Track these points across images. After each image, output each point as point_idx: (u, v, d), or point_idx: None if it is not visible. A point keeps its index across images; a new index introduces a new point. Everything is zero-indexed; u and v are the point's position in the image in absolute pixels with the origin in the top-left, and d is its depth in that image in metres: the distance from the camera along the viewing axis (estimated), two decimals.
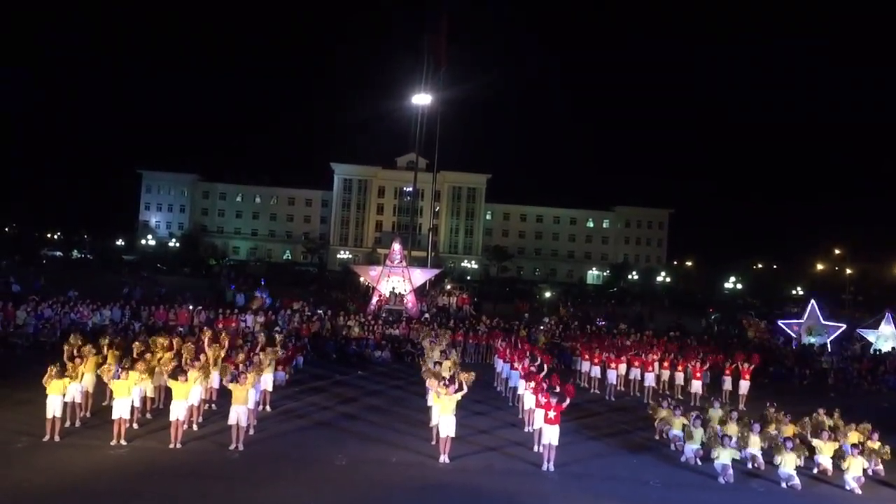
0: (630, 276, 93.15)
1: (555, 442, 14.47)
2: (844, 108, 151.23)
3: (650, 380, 22.94)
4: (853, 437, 16.20)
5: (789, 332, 37.48)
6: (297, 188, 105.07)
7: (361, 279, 43.27)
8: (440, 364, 18.85)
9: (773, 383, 27.65)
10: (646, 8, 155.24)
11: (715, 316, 48.32)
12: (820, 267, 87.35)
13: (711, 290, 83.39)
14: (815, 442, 15.91)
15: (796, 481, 14.42)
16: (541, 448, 14.92)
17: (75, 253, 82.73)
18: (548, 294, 57.58)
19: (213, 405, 17.41)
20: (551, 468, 14.42)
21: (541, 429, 14.87)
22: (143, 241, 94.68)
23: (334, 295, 44.64)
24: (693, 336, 34.40)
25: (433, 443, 15.35)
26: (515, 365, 20.10)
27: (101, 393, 16.47)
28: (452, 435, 14.53)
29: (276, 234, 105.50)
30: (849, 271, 74.45)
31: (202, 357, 17.04)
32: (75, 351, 15.98)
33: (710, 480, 14.58)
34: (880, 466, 15.46)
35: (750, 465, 15.63)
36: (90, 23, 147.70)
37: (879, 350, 35.09)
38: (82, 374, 15.51)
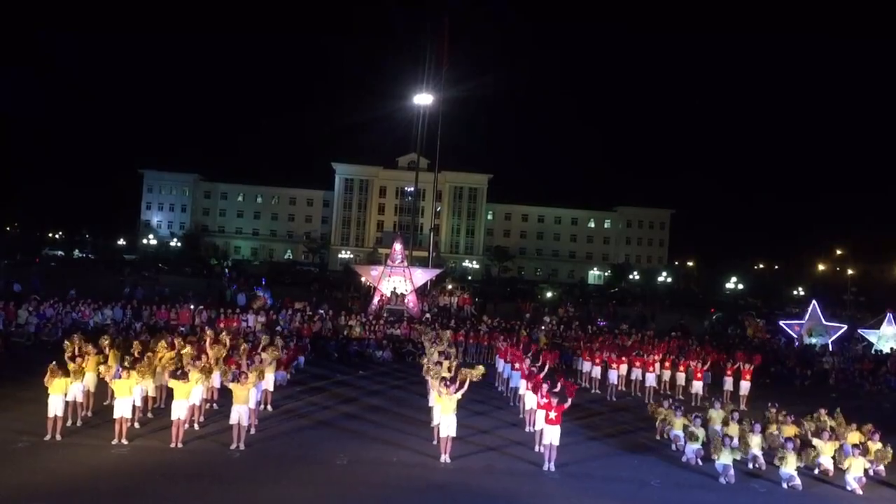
0: (631, 277, 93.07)
1: (556, 442, 14.47)
2: (847, 107, 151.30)
3: (651, 380, 22.93)
4: (854, 437, 16.20)
5: (790, 332, 37.46)
6: (299, 188, 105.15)
7: (363, 279, 43.29)
8: (440, 364, 18.84)
9: (775, 384, 27.65)
10: (647, 7, 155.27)
11: (717, 316, 48.26)
12: (821, 267, 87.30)
13: (713, 291, 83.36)
14: (816, 442, 15.90)
15: (797, 482, 14.41)
16: (542, 448, 14.93)
17: (77, 252, 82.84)
18: (549, 294, 57.48)
19: (214, 405, 17.46)
20: (552, 468, 14.42)
21: (542, 429, 14.87)
22: (145, 241, 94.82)
23: (335, 295, 44.69)
24: (695, 336, 34.38)
25: (434, 443, 15.35)
26: (516, 365, 20.12)
27: (102, 392, 16.50)
28: (453, 435, 14.54)
29: (278, 233, 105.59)
30: (850, 271, 74.27)
31: (203, 357, 17.05)
32: (76, 350, 15.99)
33: (712, 481, 14.57)
34: (881, 467, 15.46)
35: (751, 466, 15.62)
36: (91, 22, 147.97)
37: (881, 350, 35.05)
38: (84, 374, 15.52)
